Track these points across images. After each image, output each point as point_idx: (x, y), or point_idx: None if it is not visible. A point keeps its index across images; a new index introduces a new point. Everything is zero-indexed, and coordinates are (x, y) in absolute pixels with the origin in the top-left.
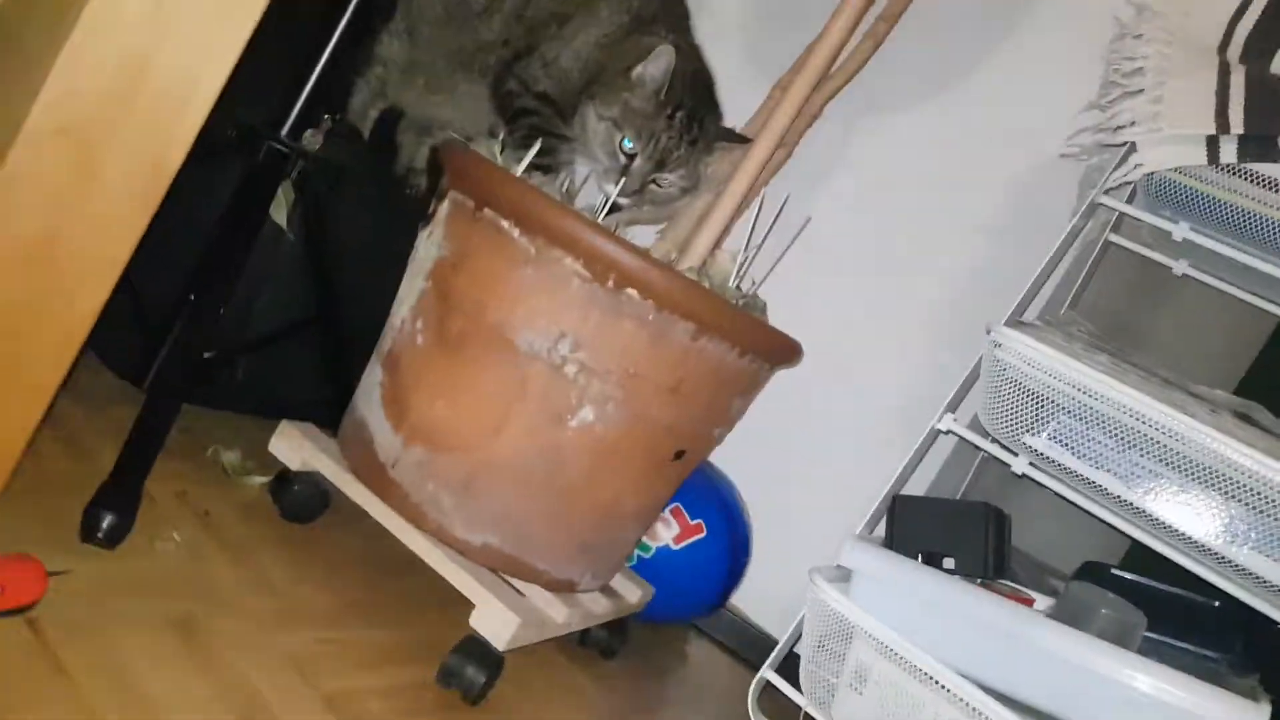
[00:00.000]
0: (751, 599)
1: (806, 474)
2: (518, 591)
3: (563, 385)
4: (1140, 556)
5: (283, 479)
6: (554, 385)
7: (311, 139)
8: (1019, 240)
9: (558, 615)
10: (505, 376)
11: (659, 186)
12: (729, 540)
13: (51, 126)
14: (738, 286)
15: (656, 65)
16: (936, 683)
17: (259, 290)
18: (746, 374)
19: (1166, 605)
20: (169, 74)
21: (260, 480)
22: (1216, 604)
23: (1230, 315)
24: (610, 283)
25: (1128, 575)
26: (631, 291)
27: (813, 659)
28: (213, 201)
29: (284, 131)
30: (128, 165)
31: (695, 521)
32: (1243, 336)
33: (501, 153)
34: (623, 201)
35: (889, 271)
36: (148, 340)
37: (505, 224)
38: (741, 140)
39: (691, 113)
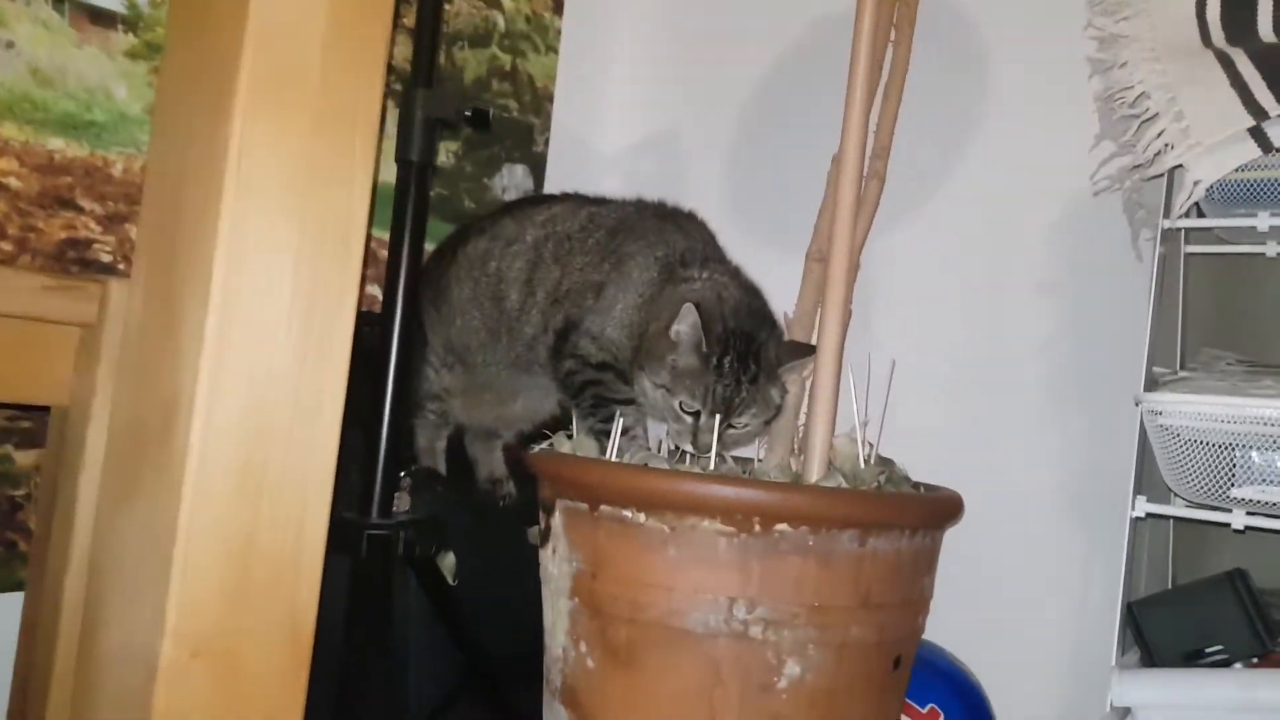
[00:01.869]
0: None
1: (1006, 619)
2: None
3: (756, 651)
4: None
5: None
6: (747, 655)
7: (400, 500)
8: (1081, 288)
9: None
10: (693, 668)
11: (735, 429)
12: (971, 707)
13: (187, 654)
14: (867, 463)
15: (685, 323)
16: None
17: (409, 677)
18: (925, 550)
19: None
20: (279, 543)
21: None
22: None
23: None
24: (757, 527)
25: None
26: (782, 526)
27: None
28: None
29: (374, 513)
30: (267, 648)
31: (927, 709)
32: None
33: (574, 431)
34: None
35: (984, 376)
36: None
37: (628, 514)
38: (807, 352)
39: (742, 353)
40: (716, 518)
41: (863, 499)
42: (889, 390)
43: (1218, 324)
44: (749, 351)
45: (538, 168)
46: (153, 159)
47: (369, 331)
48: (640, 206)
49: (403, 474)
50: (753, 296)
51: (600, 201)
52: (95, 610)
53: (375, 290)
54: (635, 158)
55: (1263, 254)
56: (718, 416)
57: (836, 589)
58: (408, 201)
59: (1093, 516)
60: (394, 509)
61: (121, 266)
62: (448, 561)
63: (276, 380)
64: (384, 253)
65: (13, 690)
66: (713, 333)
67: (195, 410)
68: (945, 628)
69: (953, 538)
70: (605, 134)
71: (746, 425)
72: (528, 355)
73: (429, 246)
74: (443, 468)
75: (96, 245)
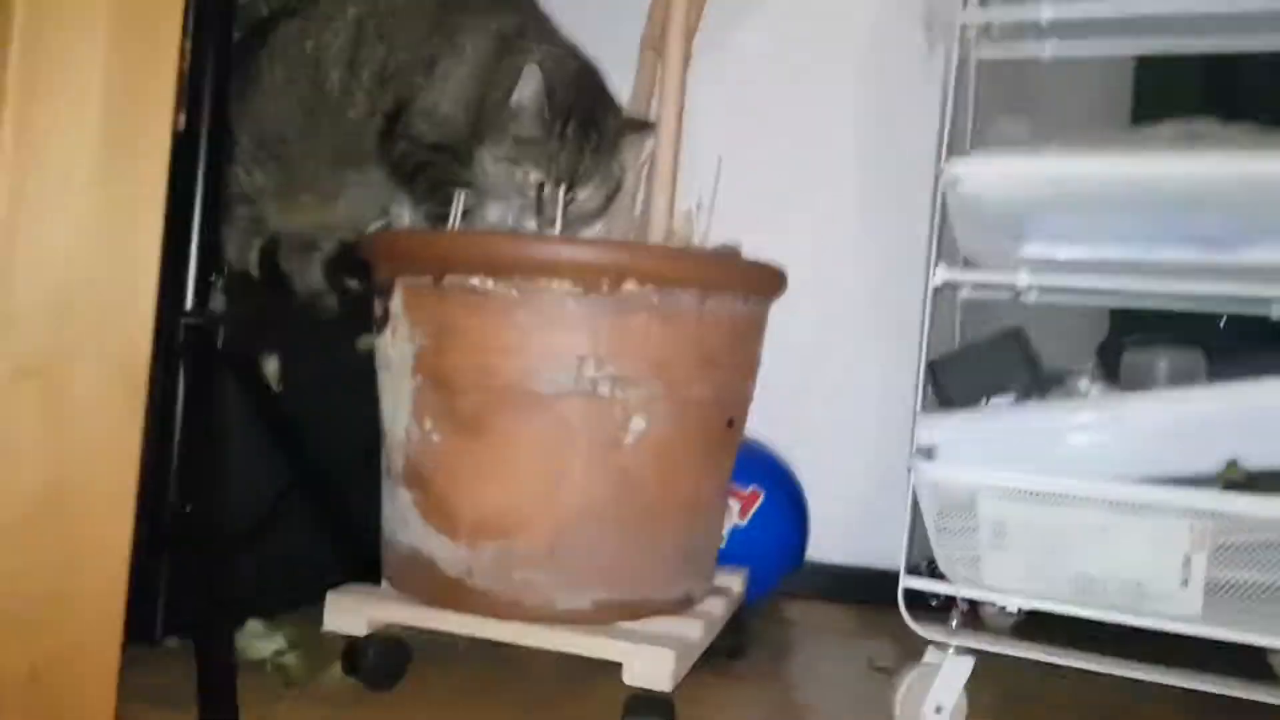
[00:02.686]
0: (819, 544)
1: (818, 396)
2: (647, 631)
3: (604, 407)
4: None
5: (355, 651)
6: (596, 412)
7: (214, 300)
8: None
9: (693, 633)
10: (544, 427)
11: (578, 201)
12: (787, 492)
13: (8, 372)
14: (703, 242)
15: (528, 88)
16: (1076, 496)
17: (232, 482)
18: (756, 316)
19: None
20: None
21: (334, 668)
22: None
23: (1098, 77)
24: (605, 286)
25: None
26: (630, 285)
27: (942, 543)
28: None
29: (188, 305)
30: (98, 383)
31: (749, 490)
32: (1116, 92)
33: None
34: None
35: (807, 168)
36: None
37: (475, 281)
38: (644, 127)
39: (584, 120)
40: (566, 279)
41: (703, 259)
42: (716, 183)
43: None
44: (591, 120)
45: None
46: None
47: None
48: None
49: (213, 277)
50: (591, 71)
51: None
52: None
53: None
54: None
55: (1039, 60)
56: (562, 185)
57: (680, 347)
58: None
59: (894, 292)
60: (209, 307)
61: None
62: (271, 366)
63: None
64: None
65: None
66: (555, 98)
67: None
68: (764, 418)
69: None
70: None
71: (589, 198)
72: (353, 143)
73: None
74: (256, 275)
75: None
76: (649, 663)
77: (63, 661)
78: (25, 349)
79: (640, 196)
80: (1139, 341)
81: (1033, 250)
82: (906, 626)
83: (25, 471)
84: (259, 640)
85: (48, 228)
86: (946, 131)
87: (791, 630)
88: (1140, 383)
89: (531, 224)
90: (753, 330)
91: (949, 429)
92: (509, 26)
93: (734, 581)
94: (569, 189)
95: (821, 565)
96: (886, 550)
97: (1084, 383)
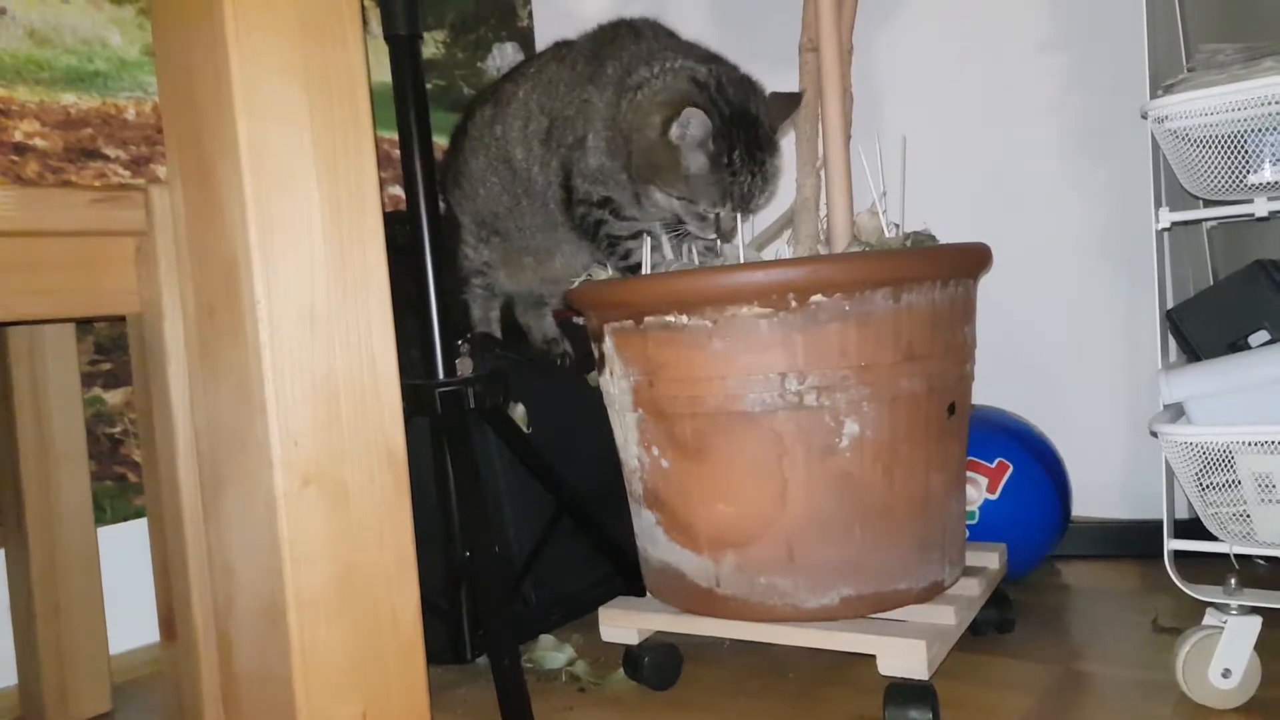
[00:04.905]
0: (1089, 502)
1: (1054, 365)
2: (899, 621)
3: (814, 417)
4: None
5: (633, 657)
6: (806, 423)
7: (462, 364)
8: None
9: (947, 618)
10: (759, 445)
11: (755, 211)
12: (1039, 461)
13: (298, 481)
14: (895, 232)
15: (695, 129)
16: None
17: (506, 520)
18: (960, 299)
19: None
20: (356, 376)
21: (617, 673)
22: None
23: None
24: (793, 303)
25: None
26: (818, 297)
27: (1206, 503)
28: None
29: (440, 375)
30: (366, 473)
31: (996, 463)
32: None
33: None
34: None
35: (994, 134)
36: (448, 619)
37: (671, 318)
38: (794, 101)
39: (748, 141)
40: (754, 302)
41: (889, 256)
42: (904, 165)
43: (1220, 26)
44: (752, 137)
45: (526, 41)
46: (162, 79)
47: (401, 229)
48: (604, 28)
49: (460, 341)
50: (720, 63)
51: (581, 38)
52: (211, 472)
53: (397, 190)
54: (620, 10)
55: None
56: (737, 212)
57: (879, 347)
58: (404, 74)
59: (1121, 240)
60: (458, 372)
61: None
62: (519, 411)
63: (314, 227)
64: (396, 152)
65: (159, 601)
66: (716, 126)
67: (254, 273)
68: (1001, 388)
69: (994, 298)
70: None
71: (762, 205)
72: (549, 211)
73: (440, 140)
74: (498, 334)
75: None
76: (902, 651)
77: (384, 702)
78: (305, 458)
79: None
80: None
81: (1267, 173)
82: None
83: (319, 563)
84: (552, 652)
85: (307, 354)
86: (1149, 62)
87: (1065, 596)
88: None
89: (712, 238)
90: (959, 313)
91: (1195, 383)
92: (620, 66)
93: (990, 558)
94: (745, 211)
95: (1092, 523)
96: (1158, 500)
97: None
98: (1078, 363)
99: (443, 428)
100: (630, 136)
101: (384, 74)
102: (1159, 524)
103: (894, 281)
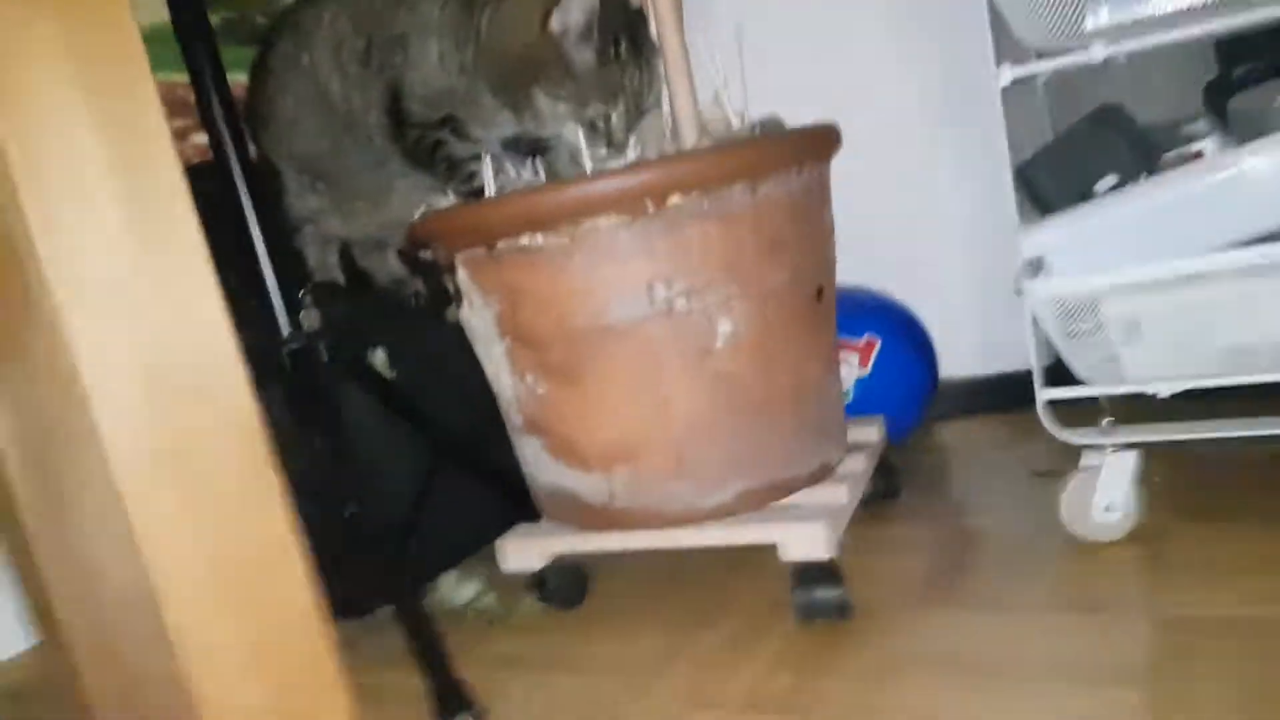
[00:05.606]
0: (955, 362)
1: (909, 235)
2: (795, 507)
3: (686, 323)
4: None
5: (538, 582)
6: (679, 329)
7: (307, 317)
8: None
9: (840, 497)
10: (633, 357)
11: (644, 114)
12: (904, 329)
13: (143, 470)
14: (742, 123)
15: (576, 13)
16: (1210, 272)
17: (385, 469)
18: (815, 184)
19: None
20: (186, 344)
21: (527, 600)
22: None
23: None
24: (650, 207)
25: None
26: (675, 199)
27: (1073, 352)
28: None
29: (286, 333)
30: (220, 448)
31: (865, 339)
32: None
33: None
34: (622, 157)
35: (832, 13)
36: (340, 577)
37: (525, 240)
38: None
39: (631, 36)
40: (610, 212)
41: (743, 148)
42: (741, 53)
43: None
44: (635, 31)
45: None
46: None
47: (214, 183)
48: None
49: (301, 292)
50: None
51: None
52: (45, 479)
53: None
54: None
55: None
56: (629, 112)
57: (744, 244)
58: (186, 6)
59: (964, 104)
60: (305, 326)
61: None
62: (379, 358)
63: (99, 182)
64: (193, 97)
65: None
66: (597, 11)
67: (37, 249)
68: (860, 267)
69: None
70: None
71: (650, 106)
72: (375, 146)
73: (239, 77)
74: (341, 280)
75: None
76: (803, 537)
77: (293, 685)
78: (144, 446)
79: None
80: (1249, 78)
81: (1105, 16)
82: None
83: (185, 554)
84: (458, 588)
85: (123, 330)
86: None
87: (943, 455)
88: (1256, 129)
89: (601, 153)
90: (816, 197)
91: (1053, 235)
92: None
93: (870, 431)
94: (637, 112)
95: (961, 381)
96: (1024, 351)
97: (1197, 142)
98: (933, 230)
99: (299, 389)
100: (498, 44)
101: (162, 12)
102: (1026, 375)
103: (750, 173)
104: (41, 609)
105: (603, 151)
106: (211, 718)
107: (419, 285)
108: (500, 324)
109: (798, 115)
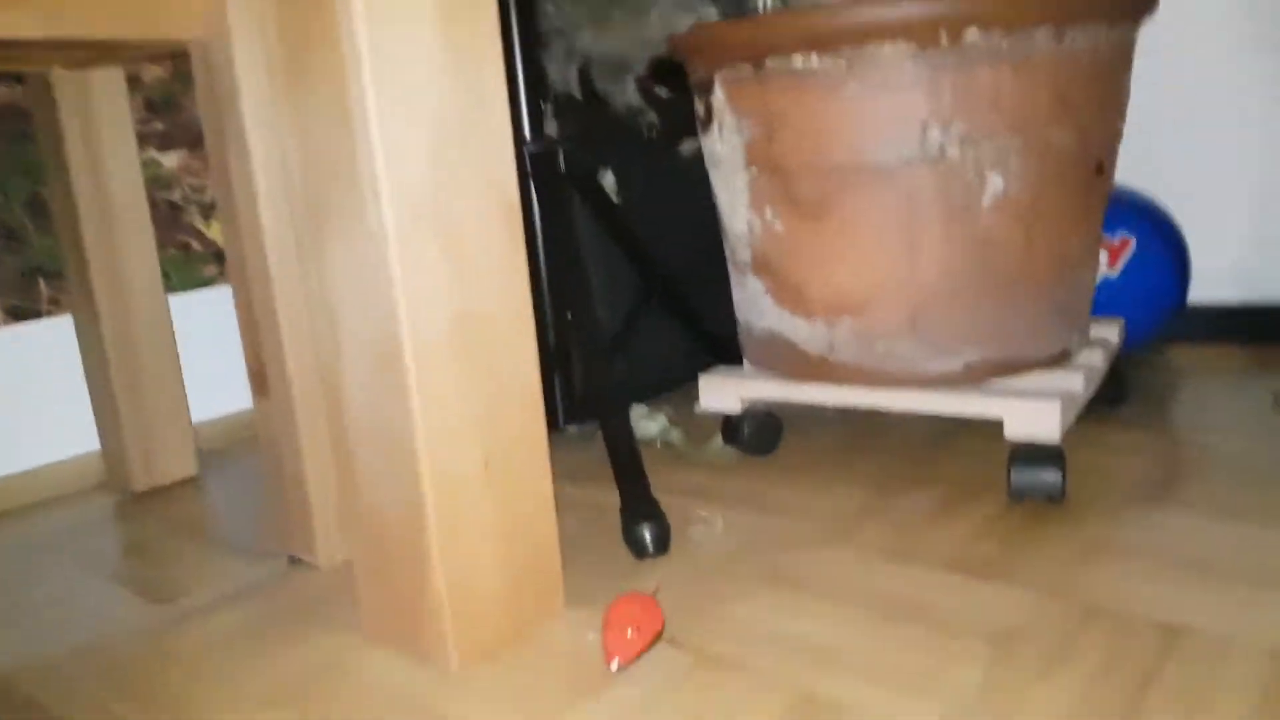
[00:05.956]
0: (1207, 285)
1: (1190, 130)
2: (1024, 389)
3: (954, 173)
4: None
5: (733, 425)
6: (946, 179)
7: (548, 127)
8: None
9: (1075, 385)
10: (889, 201)
11: None
12: (1161, 236)
13: (409, 216)
14: None
15: None
16: None
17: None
18: (1123, 44)
19: None
20: (465, 108)
21: (715, 440)
22: None
23: None
24: (944, 39)
25: None
26: (972, 33)
27: None
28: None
29: (529, 136)
30: (481, 213)
31: (1118, 239)
32: None
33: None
34: None
35: None
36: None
37: (798, 60)
38: None
39: None
40: (899, 39)
41: None
42: None
43: None
44: None
45: None
46: None
47: None
48: None
49: (542, 102)
50: None
51: None
52: (309, 210)
53: None
54: None
55: None
56: None
57: (1034, 94)
58: None
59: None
60: (546, 133)
61: None
62: (608, 180)
63: None
64: None
65: (248, 358)
66: None
67: None
68: (1133, 161)
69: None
70: None
71: None
72: None
73: None
74: (580, 98)
75: None
76: (1034, 415)
77: (505, 453)
78: (414, 192)
79: None
80: None
81: None
82: None
83: (435, 307)
84: (645, 421)
85: (410, 73)
86: None
87: (1176, 375)
88: None
89: None
90: (1120, 60)
91: None
92: None
93: (1110, 332)
94: None
95: (1210, 307)
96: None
97: None
98: (1218, 141)
99: (537, 191)
100: None
101: None
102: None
103: (1060, 17)
104: (264, 358)
105: None
106: (430, 474)
107: (654, 116)
108: (749, 151)
109: None
